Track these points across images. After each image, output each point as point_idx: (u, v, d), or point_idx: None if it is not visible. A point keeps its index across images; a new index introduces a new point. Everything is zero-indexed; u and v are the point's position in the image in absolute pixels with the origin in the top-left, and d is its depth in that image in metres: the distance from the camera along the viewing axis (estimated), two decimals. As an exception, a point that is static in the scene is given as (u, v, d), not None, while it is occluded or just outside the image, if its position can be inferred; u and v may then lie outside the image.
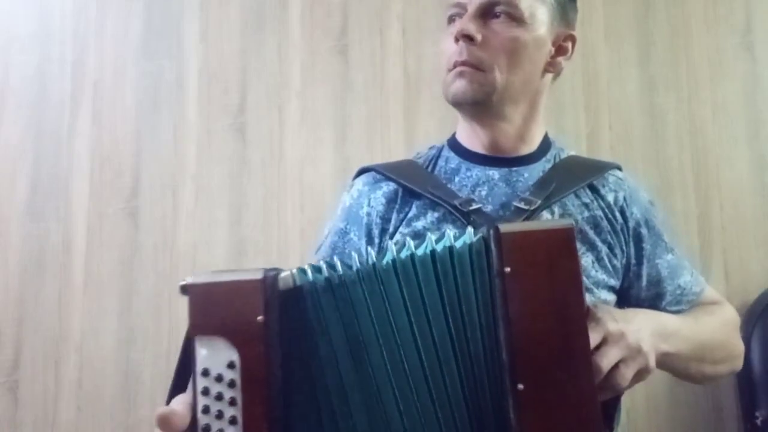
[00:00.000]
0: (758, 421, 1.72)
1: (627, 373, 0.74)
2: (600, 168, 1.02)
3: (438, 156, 1.05)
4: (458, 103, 0.98)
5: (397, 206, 0.99)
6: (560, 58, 1.01)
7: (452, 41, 0.97)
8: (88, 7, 2.12)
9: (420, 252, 0.72)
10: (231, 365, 0.67)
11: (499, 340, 0.69)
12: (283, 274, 0.71)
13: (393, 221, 0.98)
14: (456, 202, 0.93)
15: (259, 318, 0.68)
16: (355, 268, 0.71)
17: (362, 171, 1.08)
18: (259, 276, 0.69)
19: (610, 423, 0.86)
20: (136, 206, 2.02)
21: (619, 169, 1.04)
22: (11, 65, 2.10)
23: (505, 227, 0.71)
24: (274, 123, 2.04)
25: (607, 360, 0.72)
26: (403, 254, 0.72)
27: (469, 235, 0.73)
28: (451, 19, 1.00)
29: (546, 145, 1.04)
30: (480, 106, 0.97)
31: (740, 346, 1.03)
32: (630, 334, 0.75)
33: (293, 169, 2.02)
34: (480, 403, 0.71)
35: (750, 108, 1.98)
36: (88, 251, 2.00)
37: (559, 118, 1.97)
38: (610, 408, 0.86)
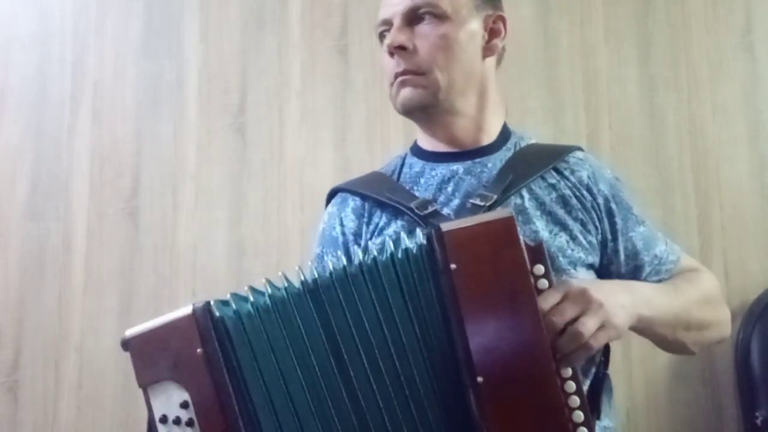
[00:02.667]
0: (758, 421, 1.72)
1: (588, 324, 0.74)
2: (560, 152, 1.03)
3: (402, 164, 1.07)
4: (409, 111, 1.00)
5: (365, 219, 1.01)
6: (495, 41, 1.03)
7: (389, 57, 0.99)
8: (88, 7, 2.12)
9: (382, 257, 0.75)
10: (184, 405, 0.68)
11: (453, 335, 0.72)
12: (213, 303, 0.72)
13: (363, 234, 1.00)
14: (413, 205, 0.95)
15: (198, 350, 0.68)
16: (312, 279, 0.75)
17: (331, 194, 1.09)
18: (189, 311, 0.70)
19: (597, 404, 0.87)
20: (136, 206, 2.02)
21: (581, 150, 1.05)
22: (11, 65, 2.10)
23: (446, 225, 0.74)
24: (274, 123, 2.04)
25: (561, 315, 0.73)
26: (368, 260, 0.76)
27: (419, 236, 0.76)
28: (381, 37, 1.02)
29: (506, 134, 1.05)
30: (430, 108, 0.99)
31: (726, 312, 1.04)
32: (592, 291, 0.77)
33: (293, 169, 2.02)
34: (448, 400, 0.74)
35: (750, 108, 1.98)
36: (88, 251, 2.00)
37: (559, 118, 1.97)
38: (596, 390, 0.88)
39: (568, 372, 0.72)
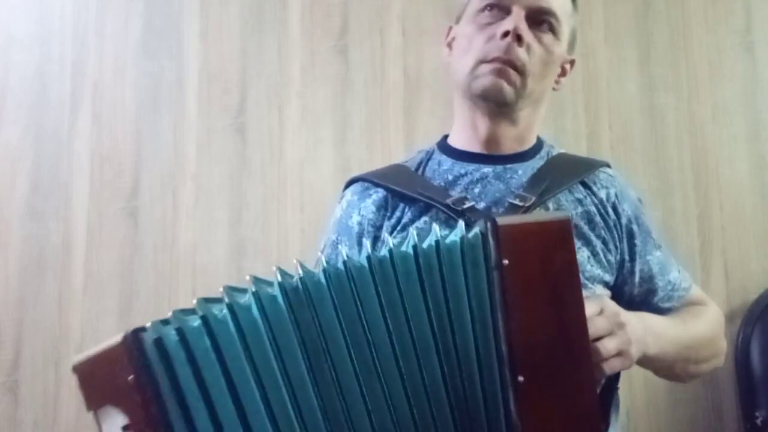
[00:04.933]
0: (758, 421, 1.72)
1: (609, 345, 0.75)
2: (590, 165, 1.03)
3: (428, 159, 1.05)
4: (488, 99, 0.98)
5: (387, 213, 0.99)
6: (561, 78, 1.06)
7: (488, 33, 0.97)
8: (88, 7, 2.12)
9: (402, 248, 0.72)
10: (126, 428, 0.69)
11: (498, 332, 0.70)
12: (151, 324, 0.71)
13: (384, 228, 0.98)
14: (449, 201, 0.93)
15: (130, 378, 0.69)
16: (292, 281, 0.71)
17: (351, 182, 1.08)
18: (119, 339, 0.71)
19: (606, 416, 0.86)
20: (136, 206, 2.02)
21: (609, 166, 1.05)
22: (11, 65, 2.10)
23: (502, 220, 0.72)
24: (274, 123, 2.04)
25: (594, 328, 0.73)
26: (382, 252, 0.72)
27: (461, 229, 0.73)
28: (486, 9, 0.98)
29: (539, 143, 1.06)
30: (506, 106, 0.98)
31: (723, 345, 1.06)
32: (623, 314, 0.78)
33: (293, 169, 2.02)
34: (467, 398, 0.71)
35: (750, 108, 1.98)
36: (88, 251, 2.00)
37: (559, 118, 1.97)
38: (606, 400, 0.87)
39: None
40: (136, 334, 0.70)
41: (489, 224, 0.72)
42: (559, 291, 0.70)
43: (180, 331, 0.69)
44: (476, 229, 0.73)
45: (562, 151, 1.07)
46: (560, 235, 0.71)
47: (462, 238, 0.71)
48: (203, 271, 1.96)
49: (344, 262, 0.71)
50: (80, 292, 1.98)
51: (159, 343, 0.69)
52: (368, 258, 0.71)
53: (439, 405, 0.71)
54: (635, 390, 1.84)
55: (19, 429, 1.93)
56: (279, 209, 2.00)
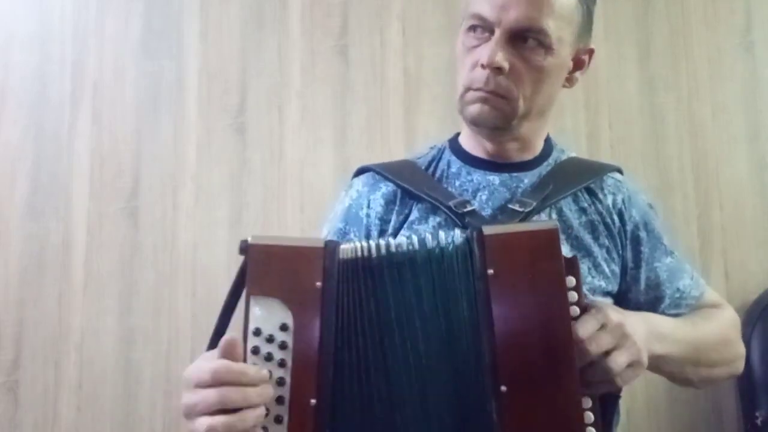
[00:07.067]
0: (758, 421, 1.72)
1: (619, 359, 0.73)
2: (599, 170, 1.02)
3: (439, 158, 1.05)
4: (477, 125, 0.97)
5: (396, 208, 0.99)
6: (577, 73, 1.01)
7: (472, 58, 0.94)
8: (88, 7, 2.12)
9: (422, 251, 0.74)
10: (284, 327, 0.69)
11: (482, 341, 0.70)
12: (343, 246, 0.73)
13: (392, 222, 0.98)
14: (451, 204, 0.93)
15: (318, 284, 0.70)
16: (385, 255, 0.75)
17: (361, 171, 1.08)
18: (320, 244, 0.71)
19: (609, 425, 0.85)
20: (136, 206, 2.02)
21: (620, 171, 1.04)
22: (11, 65, 2.10)
23: (488, 229, 0.72)
24: (274, 123, 2.04)
25: (597, 345, 0.72)
26: (409, 252, 0.74)
27: (457, 236, 0.75)
28: (471, 29, 0.95)
29: (548, 148, 1.05)
30: (498, 129, 0.97)
31: (740, 349, 1.02)
32: (628, 325, 0.76)
33: (293, 169, 2.02)
34: (467, 403, 0.72)
35: (750, 108, 1.98)
36: (88, 251, 2.00)
37: (559, 118, 1.96)
38: (608, 410, 0.86)
39: (588, 403, 0.70)
40: (338, 245, 0.72)
41: (475, 233, 0.72)
42: (544, 302, 0.69)
43: (380, 260, 0.72)
44: (464, 238, 0.74)
45: (573, 155, 1.06)
46: (547, 245, 0.71)
47: (456, 247, 0.73)
48: (203, 271, 1.96)
49: (388, 258, 0.74)
50: (80, 292, 1.98)
51: (355, 264, 0.72)
52: (404, 255, 0.74)
53: (448, 405, 0.72)
54: (635, 390, 1.84)
55: (19, 429, 1.93)
56: (279, 209, 2.00)
